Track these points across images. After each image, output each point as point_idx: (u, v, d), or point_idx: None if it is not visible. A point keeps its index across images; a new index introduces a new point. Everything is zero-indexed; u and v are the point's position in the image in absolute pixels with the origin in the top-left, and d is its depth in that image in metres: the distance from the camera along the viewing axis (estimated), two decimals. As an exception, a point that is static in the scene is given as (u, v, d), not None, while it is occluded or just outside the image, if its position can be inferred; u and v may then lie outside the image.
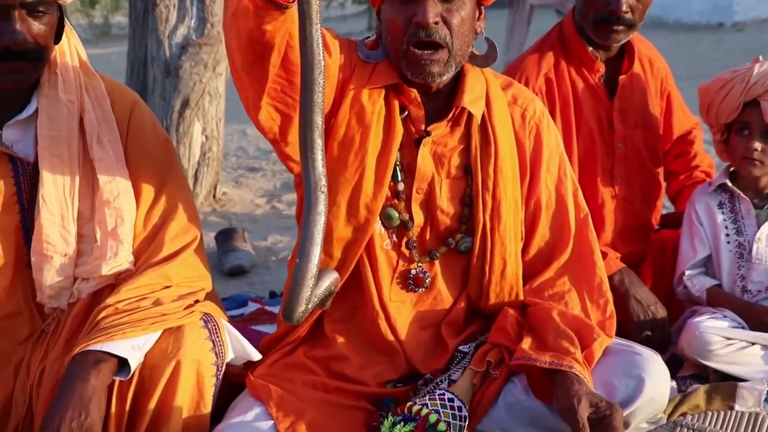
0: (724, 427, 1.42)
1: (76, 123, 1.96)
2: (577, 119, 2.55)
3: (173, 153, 2.15)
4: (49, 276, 1.93)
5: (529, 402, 1.91)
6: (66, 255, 1.94)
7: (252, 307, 3.09)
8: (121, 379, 1.82)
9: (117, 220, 1.95)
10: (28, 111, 1.92)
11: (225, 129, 4.85)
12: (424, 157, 1.98)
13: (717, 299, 2.53)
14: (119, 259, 1.94)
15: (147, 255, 1.98)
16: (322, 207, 1.43)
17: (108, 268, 1.92)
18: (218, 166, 4.54)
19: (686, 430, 1.43)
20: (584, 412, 1.72)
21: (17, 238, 1.96)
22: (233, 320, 2.14)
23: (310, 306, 1.48)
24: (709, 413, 1.45)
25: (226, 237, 3.77)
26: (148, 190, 2.01)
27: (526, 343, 1.90)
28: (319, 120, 1.41)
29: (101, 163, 1.96)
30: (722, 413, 1.46)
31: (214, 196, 4.58)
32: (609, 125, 2.60)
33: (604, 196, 2.62)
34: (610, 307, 2.02)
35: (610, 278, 2.41)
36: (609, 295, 2.03)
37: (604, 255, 2.42)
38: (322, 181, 1.43)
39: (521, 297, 2.03)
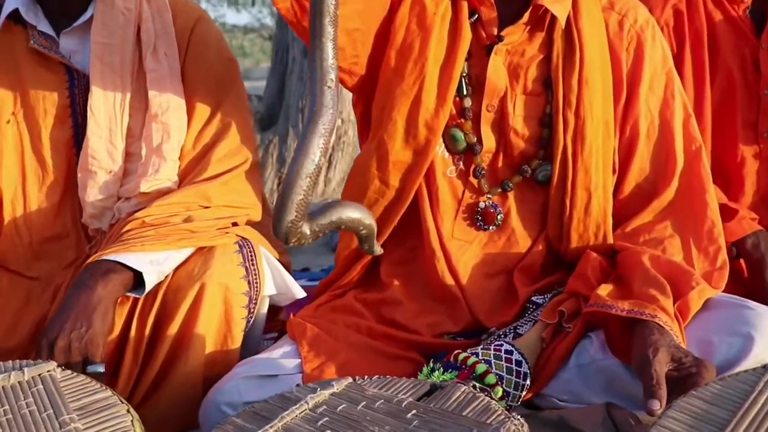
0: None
1: (131, 33, 1.86)
2: (713, 59, 2.13)
3: (237, 74, 2.00)
4: (92, 193, 1.83)
5: (606, 361, 1.55)
6: (111, 172, 1.82)
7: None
8: (137, 296, 1.65)
9: (163, 135, 1.82)
10: (85, 17, 1.84)
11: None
12: (497, 67, 1.68)
13: None
14: (160, 176, 1.80)
15: (192, 175, 1.83)
16: (328, 100, 1.22)
17: (147, 186, 1.79)
18: (353, 152, 4.40)
19: (780, 377, 1.05)
20: (661, 366, 1.34)
21: (69, 155, 1.88)
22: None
23: (305, 228, 1.20)
24: (816, 360, 1.07)
25: (342, 214, 3.61)
26: (202, 109, 1.88)
27: (605, 290, 1.54)
28: (331, 4, 1.20)
29: (153, 74, 1.86)
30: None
31: (347, 184, 4.44)
32: (754, 68, 2.14)
33: (745, 153, 2.15)
34: (722, 257, 1.62)
35: (742, 241, 1.98)
36: (722, 241, 1.63)
37: (734, 212, 1.99)
38: (330, 75, 1.22)
39: (610, 240, 1.67)
